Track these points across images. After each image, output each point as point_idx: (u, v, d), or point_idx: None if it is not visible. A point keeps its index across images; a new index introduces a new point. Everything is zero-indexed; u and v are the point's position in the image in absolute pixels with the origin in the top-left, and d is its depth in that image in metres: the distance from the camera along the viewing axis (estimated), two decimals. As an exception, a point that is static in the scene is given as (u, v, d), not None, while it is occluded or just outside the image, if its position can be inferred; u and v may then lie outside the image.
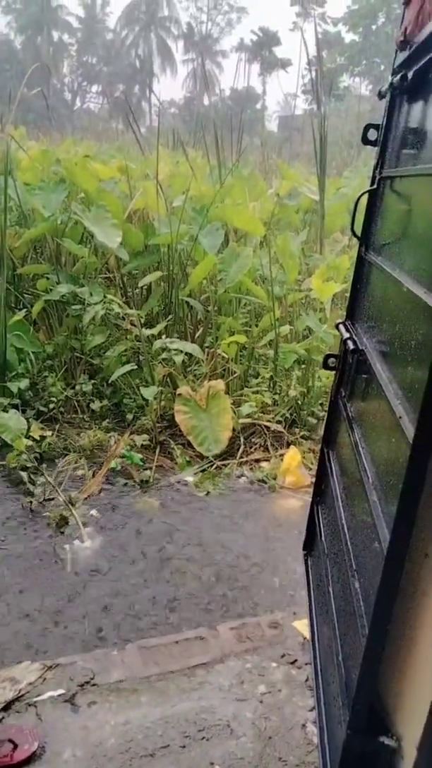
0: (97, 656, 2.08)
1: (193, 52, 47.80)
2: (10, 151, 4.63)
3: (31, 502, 3.24)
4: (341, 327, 1.94)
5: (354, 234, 1.96)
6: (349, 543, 1.55)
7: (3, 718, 1.78)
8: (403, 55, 1.62)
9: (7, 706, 1.82)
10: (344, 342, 1.81)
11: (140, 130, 7.98)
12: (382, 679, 1.25)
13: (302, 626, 2.26)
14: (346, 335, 1.81)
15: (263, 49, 43.12)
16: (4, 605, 2.51)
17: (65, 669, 1.99)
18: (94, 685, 1.93)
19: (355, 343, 1.72)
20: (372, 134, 1.88)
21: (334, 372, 2.08)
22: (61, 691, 1.88)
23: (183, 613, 2.53)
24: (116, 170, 5.57)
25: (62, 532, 3.04)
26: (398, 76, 1.60)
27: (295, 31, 41.96)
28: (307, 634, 2.15)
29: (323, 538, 1.98)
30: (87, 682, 1.93)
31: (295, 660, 2.08)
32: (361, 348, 1.68)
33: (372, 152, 1.94)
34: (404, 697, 1.23)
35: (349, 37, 36.59)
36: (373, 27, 35.03)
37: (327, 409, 4.27)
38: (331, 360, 2.05)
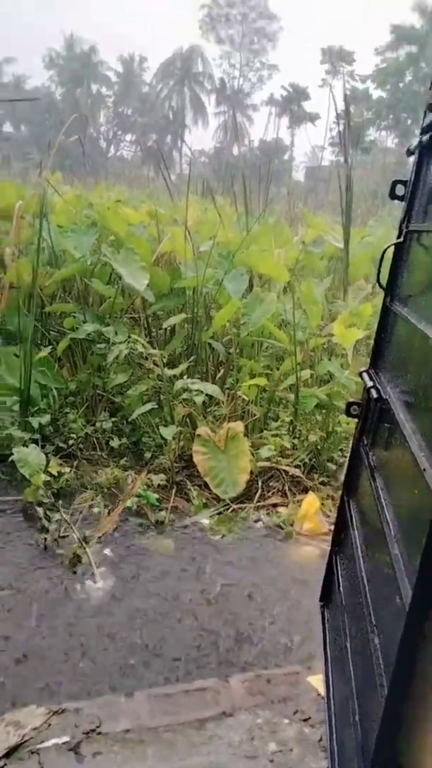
0: (104, 703, 2.02)
1: (225, 105, 49.86)
2: (47, 195, 4.82)
3: (45, 538, 3.23)
4: (365, 375, 1.94)
5: (380, 284, 1.99)
6: (368, 596, 1.51)
7: (5, 765, 1.73)
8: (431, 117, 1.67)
9: (10, 753, 1.77)
10: (368, 390, 1.81)
11: (171, 178, 8.27)
12: (403, 741, 1.20)
13: (317, 681, 2.18)
14: (370, 384, 1.81)
15: (293, 104, 44.77)
16: (11, 644, 2.47)
17: (71, 715, 1.94)
18: (99, 733, 1.87)
19: (378, 392, 1.72)
20: (399, 189, 1.92)
21: (355, 419, 2.08)
22: (65, 739, 1.83)
23: (194, 662, 2.46)
24: (146, 215, 5.75)
25: (75, 572, 3.00)
26: (427, 136, 1.65)
27: (324, 87, 43.56)
28: (322, 691, 2.08)
29: (341, 590, 1.93)
30: (93, 730, 1.88)
31: (309, 717, 2.00)
32: (384, 397, 1.68)
33: (397, 203, 1.98)
34: (426, 761, 1.17)
35: (376, 93, 37.86)
36: (401, 84, 36.22)
37: (347, 455, 4.22)
38: (354, 408, 2.04)
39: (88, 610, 2.73)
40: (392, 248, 1.95)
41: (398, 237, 1.92)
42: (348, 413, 2.05)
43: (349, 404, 2.06)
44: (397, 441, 1.51)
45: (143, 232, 5.28)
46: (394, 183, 1.94)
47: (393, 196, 1.94)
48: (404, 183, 1.92)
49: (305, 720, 1.98)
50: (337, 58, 44.38)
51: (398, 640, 1.13)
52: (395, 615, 1.20)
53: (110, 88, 50.43)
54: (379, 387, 1.78)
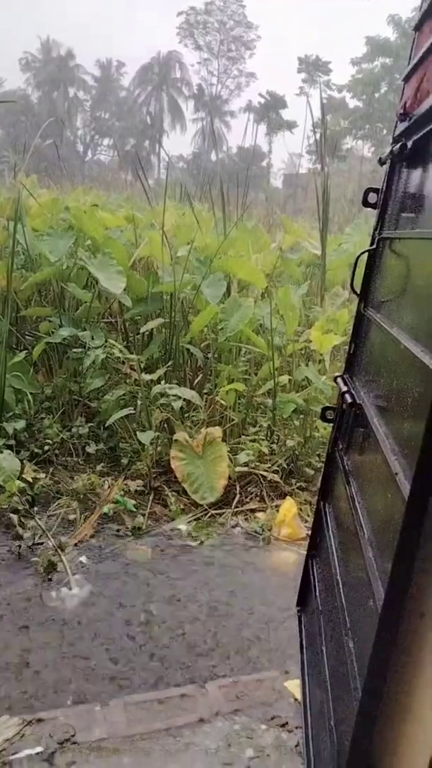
0: (79, 712, 2.00)
1: (203, 111, 50.05)
2: (21, 198, 4.77)
3: (19, 546, 3.18)
4: (339, 380, 1.96)
5: (353, 291, 2.01)
6: (343, 600, 1.53)
7: (-23, 776, 1.70)
8: (402, 126, 1.70)
9: (-18, 764, 1.73)
10: (342, 395, 1.83)
11: (149, 182, 8.26)
12: (377, 746, 1.21)
13: (294, 687, 2.18)
14: (344, 389, 1.83)
15: (270, 111, 45.11)
16: (-14, 654, 2.43)
17: (45, 725, 1.91)
18: (74, 743, 1.84)
19: (353, 396, 1.74)
20: (372, 197, 1.95)
21: (327, 422, 2.10)
22: (39, 749, 1.80)
23: (171, 669, 2.44)
24: (123, 219, 5.73)
25: (50, 579, 2.97)
26: (398, 145, 1.68)
27: (301, 95, 44.04)
28: (299, 696, 2.08)
29: (317, 595, 1.94)
30: (67, 740, 1.85)
31: (286, 723, 2.00)
32: (358, 402, 1.70)
33: (373, 212, 2.02)
34: (401, 765, 1.18)
35: (353, 102, 38.36)
36: (376, 95, 36.76)
37: (324, 460, 4.25)
38: (329, 412, 2.06)
39: (63, 617, 2.69)
40: (366, 255, 1.98)
41: (371, 244, 1.95)
42: (323, 418, 2.07)
43: (325, 409, 2.08)
44: (371, 445, 1.53)
45: (120, 236, 5.26)
46: (367, 191, 1.98)
47: (366, 203, 1.98)
48: (377, 191, 1.96)
49: (282, 725, 1.98)
50: (313, 67, 44.96)
51: (372, 642, 1.14)
52: (369, 618, 1.22)
53: (87, 92, 50.25)
54: (354, 392, 1.80)
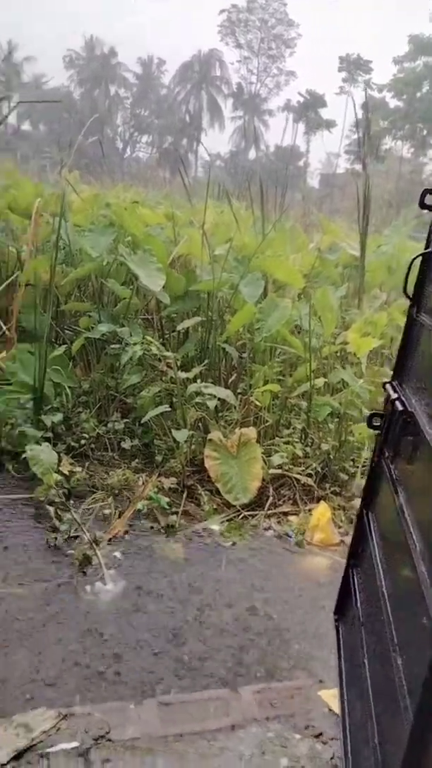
0: (114, 708, 2.00)
1: (242, 109, 49.94)
2: (66, 193, 4.82)
3: (56, 538, 3.22)
4: (389, 387, 1.91)
5: (406, 295, 1.96)
6: (390, 614, 1.48)
7: None
8: (465, 126, 1.65)
9: (19, 755, 1.75)
10: (392, 402, 1.78)
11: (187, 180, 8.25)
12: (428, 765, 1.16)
13: (328, 696, 2.14)
14: (395, 395, 1.78)
15: (309, 110, 44.74)
16: (20, 647, 2.45)
17: (80, 720, 1.92)
18: (109, 740, 1.84)
19: (404, 404, 1.69)
20: (429, 199, 1.89)
21: (373, 429, 2.04)
22: (75, 744, 1.81)
23: (204, 671, 2.42)
24: (163, 217, 5.74)
25: (84, 573, 2.99)
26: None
27: (341, 95, 43.54)
28: (334, 706, 2.04)
29: (358, 605, 1.89)
30: (102, 737, 1.86)
31: (321, 733, 1.96)
32: (410, 410, 1.65)
33: (414, 213, 1.95)
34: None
35: (393, 102, 37.77)
36: (417, 95, 36.12)
37: (358, 465, 4.18)
38: (376, 419, 2.01)
39: (97, 612, 2.71)
40: (420, 258, 1.92)
41: (426, 247, 1.89)
42: (370, 425, 2.02)
43: (372, 415, 2.03)
44: (423, 456, 1.49)
45: (160, 233, 5.27)
46: (425, 192, 1.92)
47: (423, 205, 1.92)
48: (435, 193, 1.90)
49: (317, 736, 1.95)
50: (354, 66, 44.43)
51: (425, 661, 1.10)
52: (421, 636, 1.17)
53: (128, 89, 50.71)
54: (404, 399, 1.75)
